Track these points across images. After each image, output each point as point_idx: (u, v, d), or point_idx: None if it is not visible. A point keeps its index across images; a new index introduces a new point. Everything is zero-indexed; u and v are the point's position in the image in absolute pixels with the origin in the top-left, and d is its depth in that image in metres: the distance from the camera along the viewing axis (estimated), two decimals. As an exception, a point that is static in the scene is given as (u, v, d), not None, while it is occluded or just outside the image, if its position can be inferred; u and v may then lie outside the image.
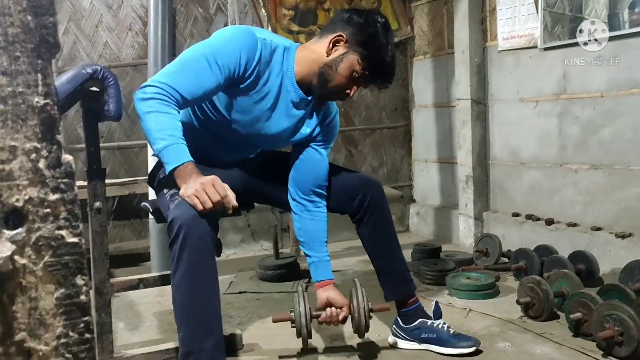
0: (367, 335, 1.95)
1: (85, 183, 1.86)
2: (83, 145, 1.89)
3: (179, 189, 1.52)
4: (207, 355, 1.48)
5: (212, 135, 1.82)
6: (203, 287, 1.50)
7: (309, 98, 1.81)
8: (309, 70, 1.76)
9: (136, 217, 3.64)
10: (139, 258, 3.44)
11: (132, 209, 3.60)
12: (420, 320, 1.99)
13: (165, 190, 1.67)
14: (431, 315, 2.01)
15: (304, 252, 1.97)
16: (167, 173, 1.52)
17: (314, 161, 1.92)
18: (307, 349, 2.02)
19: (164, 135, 1.50)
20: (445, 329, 1.97)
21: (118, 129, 3.62)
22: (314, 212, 1.93)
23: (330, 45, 1.74)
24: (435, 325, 1.98)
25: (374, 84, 1.80)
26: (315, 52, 1.76)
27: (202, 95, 1.62)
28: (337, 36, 1.74)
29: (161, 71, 1.62)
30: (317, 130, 1.90)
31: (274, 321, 1.94)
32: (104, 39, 3.56)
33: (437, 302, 2.04)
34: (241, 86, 1.69)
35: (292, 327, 1.89)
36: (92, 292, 1.83)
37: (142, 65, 3.55)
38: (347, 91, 1.76)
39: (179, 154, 1.50)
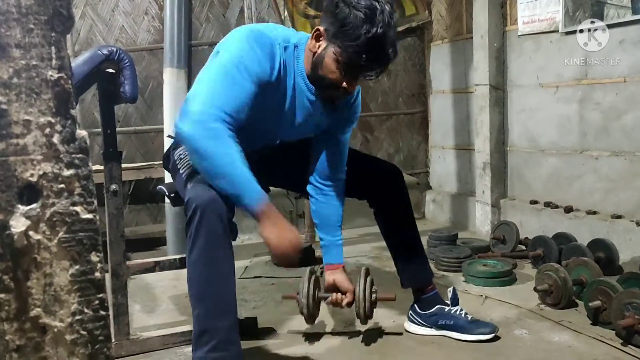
0: (379, 322, 1.94)
1: (102, 167, 1.86)
2: (100, 130, 1.89)
3: (194, 170, 1.51)
4: (223, 335, 1.47)
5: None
6: (219, 265, 1.49)
7: None
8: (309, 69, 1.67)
9: (152, 202, 3.66)
10: (155, 242, 3.47)
11: (148, 193, 3.62)
12: (437, 306, 1.97)
13: (181, 171, 1.67)
14: (448, 302, 1.99)
15: (318, 234, 1.97)
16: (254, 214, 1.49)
17: (335, 151, 1.90)
18: (324, 333, 2.04)
19: (238, 183, 1.46)
20: (463, 315, 1.96)
21: (134, 113, 3.63)
22: (330, 196, 1.91)
23: (314, 41, 1.62)
24: (452, 311, 1.96)
25: (366, 74, 1.61)
26: (309, 49, 1.65)
27: (243, 108, 1.53)
28: (316, 30, 1.61)
29: (196, 98, 1.48)
30: (339, 117, 1.85)
31: (283, 298, 2.08)
32: (120, 23, 3.56)
33: (454, 289, 2.02)
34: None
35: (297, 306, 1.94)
36: (108, 275, 1.84)
37: (158, 49, 3.54)
38: (344, 86, 1.61)
39: (254, 195, 1.48)
